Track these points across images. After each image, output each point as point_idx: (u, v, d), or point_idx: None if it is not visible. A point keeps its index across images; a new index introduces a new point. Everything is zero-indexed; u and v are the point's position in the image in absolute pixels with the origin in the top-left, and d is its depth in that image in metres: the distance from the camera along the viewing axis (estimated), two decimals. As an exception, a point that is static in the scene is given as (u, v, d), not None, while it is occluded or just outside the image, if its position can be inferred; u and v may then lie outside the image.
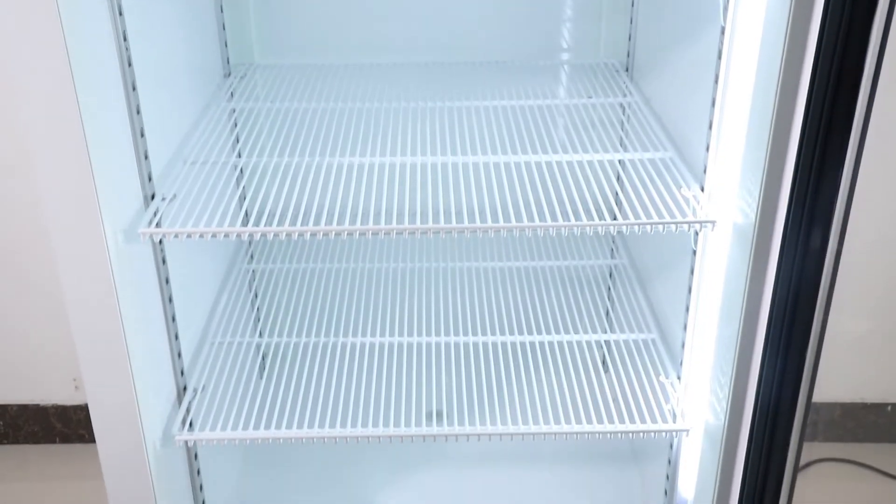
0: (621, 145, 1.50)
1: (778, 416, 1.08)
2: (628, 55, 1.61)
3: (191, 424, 1.26)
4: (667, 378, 1.35)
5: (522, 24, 1.64)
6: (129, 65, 1.08)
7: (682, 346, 1.30)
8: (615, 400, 1.33)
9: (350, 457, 1.71)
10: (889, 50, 0.89)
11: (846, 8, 0.87)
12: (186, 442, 1.26)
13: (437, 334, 1.52)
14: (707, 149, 1.16)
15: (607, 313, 1.76)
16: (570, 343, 1.49)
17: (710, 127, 1.15)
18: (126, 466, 1.17)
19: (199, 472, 1.36)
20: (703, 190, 1.18)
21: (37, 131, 0.97)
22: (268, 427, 1.27)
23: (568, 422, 1.27)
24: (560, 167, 1.28)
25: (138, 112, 1.11)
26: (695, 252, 1.23)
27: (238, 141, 1.42)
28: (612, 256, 1.76)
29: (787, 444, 1.10)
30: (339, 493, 1.63)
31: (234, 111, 1.47)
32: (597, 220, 1.14)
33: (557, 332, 1.53)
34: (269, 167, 1.30)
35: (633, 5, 1.57)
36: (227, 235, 1.13)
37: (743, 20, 1.05)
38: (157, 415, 1.21)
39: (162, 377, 1.24)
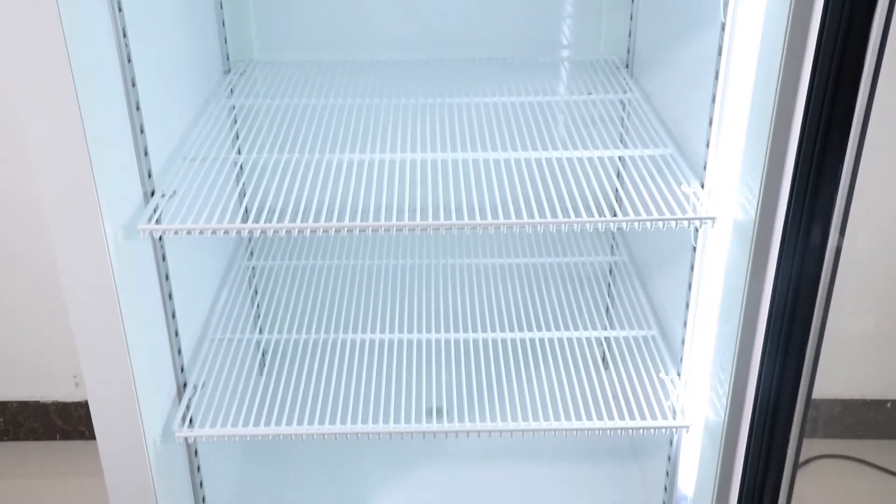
0: (621, 142, 1.50)
1: (778, 412, 1.08)
2: (628, 52, 1.61)
3: (191, 421, 1.26)
4: (667, 375, 1.35)
5: (523, 20, 1.64)
6: (129, 61, 1.08)
7: (682, 342, 1.30)
8: (615, 396, 1.33)
9: (350, 453, 1.71)
10: (889, 46, 0.89)
11: (846, 4, 0.87)
12: (186, 438, 1.26)
13: (438, 331, 1.52)
14: (707, 145, 1.16)
15: (607, 310, 1.76)
16: (570, 339, 1.49)
17: (711, 123, 1.15)
18: (126, 463, 1.18)
19: (199, 469, 1.36)
20: (703, 186, 1.18)
21: (36, 128, 0.97)
22: (268, 423, 1.27)
23: (568, 418, 1.27)
24: (560, 164, 1.28)
25: (138, 108, 1.11)
26: (695, 248, 1.23)
27: (238, 137, 1.41)
28: (613, 253, 1.76)
29: (787, 441, 1.10)
30: (339, 489, 1.63)
31: (233, 108, 1.47)
32: (597, 217, 1.14)
33: (557, 328, 1.53)
34: (268, 164, 1.29)
35: (633, 1, 1.57)
36: (226, 232, 1.13)
37: (743, 16, 1.05)
38: (157, 411, 1.21)
39: (162, 374, 1.24)
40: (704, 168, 1.17)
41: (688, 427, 1.27)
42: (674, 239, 1.33)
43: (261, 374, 1.69)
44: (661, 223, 1.12)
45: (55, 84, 0.94)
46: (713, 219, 1.12)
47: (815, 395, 1.07)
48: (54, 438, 1.95)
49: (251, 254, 1.73)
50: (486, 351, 1.50)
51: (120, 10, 1.05)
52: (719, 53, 1.11)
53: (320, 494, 1.63)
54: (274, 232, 1.14)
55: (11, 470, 1.88)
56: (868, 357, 1.87)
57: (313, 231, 1.14)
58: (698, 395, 1.25)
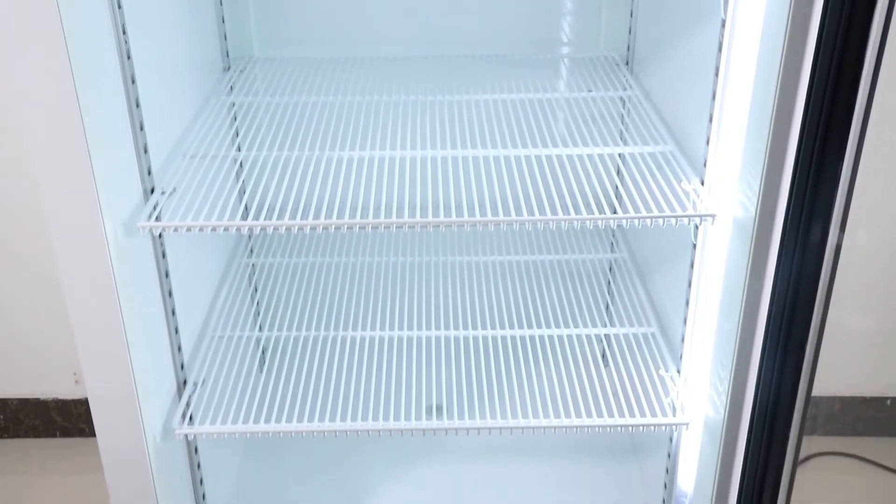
0: (621, 139, 1.49)
1: (777, 409, 1.08)
2: (628, 48, 1.60)
3: (191, 418, 1.26)
4: (666, 372, 1.35)
5: (522, 17, 1.64)
6: (129, 58, 1.08)
7: (682, 339, 1.30)
8: (615, 393, 1.33)
9: (350, 450, 1.71)
10: (890, 42, 0.89)
11: (847, 1, 0.87)
12: (186, 435, 1.26)
13: (437, 328, 1.52)
14: (707, 142, 1.16)
15: (607, 307, 1.77)
16: (569, 337, 1.49)
17: (711, 120, 1.15)
18: (126, 460, 1.18)
19: (199, 466, 1.36)
20: (703, 183, 1.18)
21: (36, 125, 0.97)
22: (268, 421, 1.27)
23: (568, 415, 1.27)
24: (560, 161, 1.28)
25: (137, 105, 1.11)
26: (695, 246, 1.23)
27: (238, 134, 1.41)
28: (612, 250, 1.76)
29: (787, 438, 1.10)
30: (338, 486, 1.63)
31: (233, 105, 1.47)
32: (597, 214, 1.14)
33: (557, 325, 1.53)
34: (268, 161, 1.29)
35: (633, -2, 1.57)
36: (226, 229, 1.13)
37: (743, 13, 1.05)
38: (157, 408, 1.21)
39: (162, 371, 1.24)
40: (704, 165, 1.17)
41: (688, 424, 1.27)
42: (674, 236, 1.33)
43: (261, 372, 1.69)
44: (661, 220, 1.12)
45: (55, 81, 0.94)
46: (713, 216, 1.12)
47: (815, 392, 1.07)
48: (54, 436, 1.95)
49: (251, 251, 1.73)
50: (485, 348, 1.50)
51: (119, 6, 1.05)
52: (719, 50, 1.11)
53: (320, 491, 1.63)
54: (274, 229, 1.14)
55: (11, 467, 1.88)
56: (868, 354, 1.87)
57: (313, 228, 1.14)
58: (698, 392, 1.25)
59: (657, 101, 1.43)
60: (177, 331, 1.26)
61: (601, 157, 1.29)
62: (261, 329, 1.68)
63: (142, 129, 1.12)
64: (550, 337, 1.50)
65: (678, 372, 1.33)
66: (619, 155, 1.36)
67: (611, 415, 1.27)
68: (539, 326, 1.52)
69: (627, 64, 1.61)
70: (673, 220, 1.12)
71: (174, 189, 1.17)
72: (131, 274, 1.10)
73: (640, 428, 1.26)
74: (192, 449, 1.34)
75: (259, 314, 1.72)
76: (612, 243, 1.76)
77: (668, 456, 1.39)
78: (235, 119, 1.46)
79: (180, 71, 1.35)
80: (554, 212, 1.14)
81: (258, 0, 1.61)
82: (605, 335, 1.66)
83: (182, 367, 1.29)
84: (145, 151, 1.13)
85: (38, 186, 1.00)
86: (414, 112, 1.43)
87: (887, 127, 1.62)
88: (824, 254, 0.98)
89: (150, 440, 1.18)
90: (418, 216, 1.14)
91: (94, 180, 1.00)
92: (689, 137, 1.25)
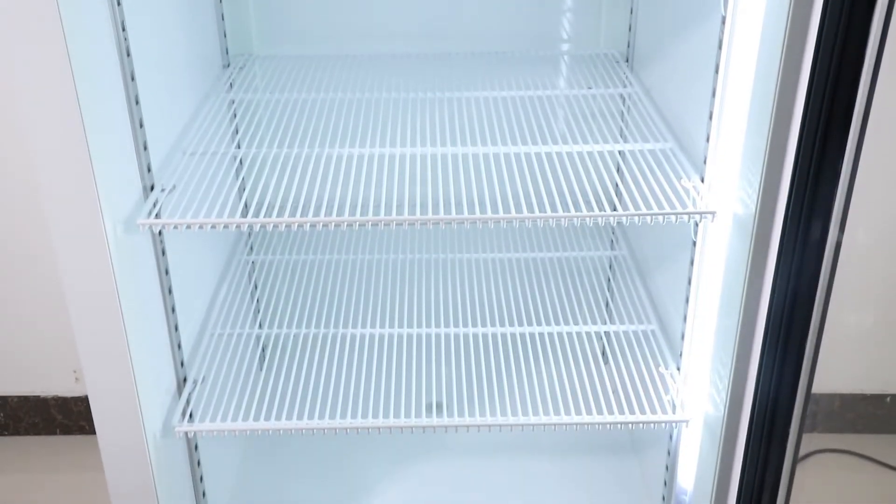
0: (621, 136, 1.49)
1: (777, 406, 1.08)
2: (628, 45, 1.60)
3: (191, 415, 1.26)
4: (666, 369, 1.35)
5: (522, 14, 1.64)
6: (128, 55, 1.08)
7: (682, 337, 1.30)
8: (615, 391, 1.33)
9: (350, 448, 1.71)
10: (890, 40, 0.89)
11: (847, -2, 0.87)
12: (186, 433, 1.26)
13: (437, 325, 1.52)
14: (707, 139, 1.16)
15: (607, 304, 1.77)
16: (569, 334, 1.49)
17: (711, 117, 1.14)
18: (126, 458, 1.18)
19: (199, 463, 1.36)
20: (703, 181, 1.18)
21: (35, 122, 0.97)
22: (268, 418, 1.27)
23: (567, 413, 1.27)
24: (560, 158, 1.27)
25: (137, 102, 1.10)
26: (695, 243, 1.23)
27: (237, 132, 1.41)
28: (612, 247, 1.76)
29: (787, 435, 1.10)
30: (338, 483, 1.64)
31: (233, 102, 1.47)
32: (597, 211, 1.14)
33: (557, 323, 1.53)
34: (268, 158, 1.29)
35: (633, -5, 1.57)
36: (226, 226, 1.13)
37: (743, 10, 1.05)
38: (157, 406, 1.21)
39: (162, 368, 1.24)
40: (704, 162, 1.17)
41: (687, 421, 1.27)
42: (674, 233, 1.33)
43: (261, 369, 1.69)
44: (661, 217, 1.12)
45: (54, 78, 0.94)
46: (713, 213, 1.12)
47: (815, 389, 1.07)
48: (54, 433, 1.95)
49: (251, 248, 1.73)
50: (485, 345, 1.50)
51: (119, 4, 1.05)
52: (719, 47, 1.11)
53: (320, 488, 1.63)
54: (273, 226, 1.14)
55: (11, 465, 1.88)
56: (867, 352, 1.87)
57: (313, 225, 1.14)
58: (698, 389, 1.25)
59: (657, 98, 1.43)
60: (177, 328, 1.26)
61: (601, 154, 1.29)
62: (261, 326, 1.68)
63: (141, 126, 1.12)
64: (550, 334, 1.50)
65: (678, 369, 1.33)
66: (619, 152, 1.36)
67: (611, 412, 1.27)
68: (539, 324, 1.52)
69: (627, 61, 1.61)
70: (673, 218, 1.12)
71: (174, 186, 1.17)
72: (131, 271, 1.10)
73: (640, 425, 1.26)
74: (192, 446, 1.34)
75: (259, 311, 1.72)
76: (612, 240, 1.76)
77: (668, 453, 1.39)
78: (235, 116, 1.46)
79: (180, 68, 1.35)
80: (554, 209, 1.14)
81: (258, -3, 1.61)
82: (604, 332, 1.66)
83: (182, 364, 1.29)
84: (145, 148, 1.13)
85: (37, 184, 1.00)
86: (414, 109, 1.43)
87: (887, 124, 1.62)
88: (824, 251, 0.98)
89: (150, 437, 1.18)
90: (418, 213, 1.14)
91: (93, 177, 1.00)
92: (689, 135, 1.25)
